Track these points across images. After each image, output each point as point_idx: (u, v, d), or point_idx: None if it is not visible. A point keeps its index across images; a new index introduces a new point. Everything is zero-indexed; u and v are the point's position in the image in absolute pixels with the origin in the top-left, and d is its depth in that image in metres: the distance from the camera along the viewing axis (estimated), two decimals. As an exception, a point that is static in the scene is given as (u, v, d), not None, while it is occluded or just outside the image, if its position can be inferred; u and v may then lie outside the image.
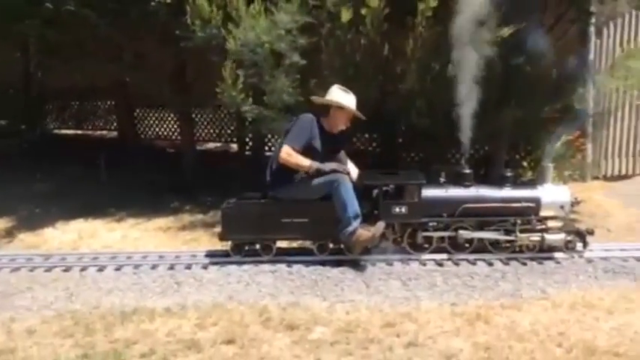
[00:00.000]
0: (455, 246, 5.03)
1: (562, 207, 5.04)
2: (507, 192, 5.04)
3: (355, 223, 4.77)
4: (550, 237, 4.98)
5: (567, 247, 5.01)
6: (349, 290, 4.54)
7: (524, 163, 7.92)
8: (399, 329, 3.92)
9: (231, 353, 3.63)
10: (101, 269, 4.86)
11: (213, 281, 4.65)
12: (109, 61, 6.91)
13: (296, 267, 4.85)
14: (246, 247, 4.97)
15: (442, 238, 5.03)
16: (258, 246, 4.96)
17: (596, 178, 8.18)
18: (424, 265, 4.92)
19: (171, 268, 4.86)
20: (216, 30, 5.51)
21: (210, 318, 4.06)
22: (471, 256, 4.98)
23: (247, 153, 9.72)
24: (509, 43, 5.59)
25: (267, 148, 9.55)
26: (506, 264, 4.92)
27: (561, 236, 4.99)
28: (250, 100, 5.65)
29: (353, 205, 4.78)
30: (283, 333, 3.89)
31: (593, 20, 7.52)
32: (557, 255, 5.03)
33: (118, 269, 4.86)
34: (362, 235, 4.78)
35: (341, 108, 4.93)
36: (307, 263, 4.89)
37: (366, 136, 8.38)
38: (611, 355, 3.58)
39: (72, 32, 6.67)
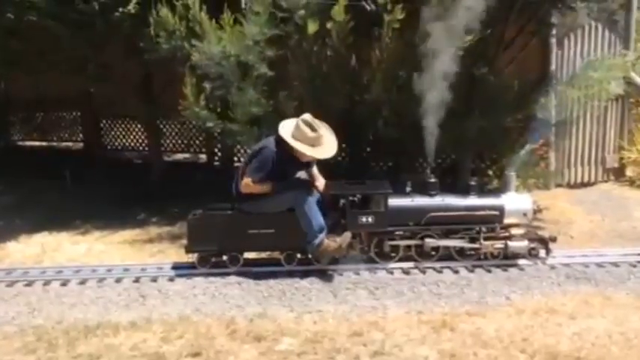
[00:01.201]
0: (421, 254, 5.07)
1: (525, 214, 5.13)
2: (472, 200, 5.12)
3: (321, 236, 4.81)
4: (514, 244, 5.06)
5: (530, 254, 5.10)
6: (317, 300, 4.56)
7: (490, 172, 8.04)
8: (365, 338, 3.94)
9: (196, 366, 3.61)
10: (64, 283, 4.77)
11: (179, 294, 4.61)
12: (74, 71, 6.81)
13: (263, 278, 4.83)
14: (213, 259, 4.94)
15: (409, 247, 5.07)
16: (225, 257, 4.93)
17: (560, 186, 8.33)
18: (391, 273, 4.96)
19: (137, 281, 4.80)
20: (181, 42, 5.48)
21: (175, 331, 4.03)
22: (438, 264, 5.03)
23: (216, 164, 9.69)
24: (473, 54, 5.69)
25: (236, 158, 9.51)
26: (472, 271, 4.99)
27: (524, 243, 5.08)
28: (215, 114, 5.62)
29: (317, 219, 4.81)
30: (250, 344, 3.88)
31: (554, 32, 7.72)
32: (521, 262, 5.12)
33: (81, 283, 4.78)
34: (329, 246, 4.80)
35: None
36: (275, 274, 4.89)
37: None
38: (572, 359, 3.66)
39: (35, 43, 6.57)
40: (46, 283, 4.78)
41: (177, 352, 3.76)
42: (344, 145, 8.27)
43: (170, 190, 7.62)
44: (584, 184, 8.45)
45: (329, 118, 5.07)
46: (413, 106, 5.37)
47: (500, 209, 5.08)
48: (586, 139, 8.41)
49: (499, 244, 5.07)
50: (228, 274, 4.87)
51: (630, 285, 4.75)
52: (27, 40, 6.44)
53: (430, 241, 5.02)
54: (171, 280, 4.82)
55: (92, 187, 8.08)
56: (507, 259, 5.11)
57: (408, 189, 5.17)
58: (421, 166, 8.08)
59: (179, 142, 11.17)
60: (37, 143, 11.94)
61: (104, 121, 11.39)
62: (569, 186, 8.37)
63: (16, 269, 5.04)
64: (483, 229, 5.07)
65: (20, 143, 12.05)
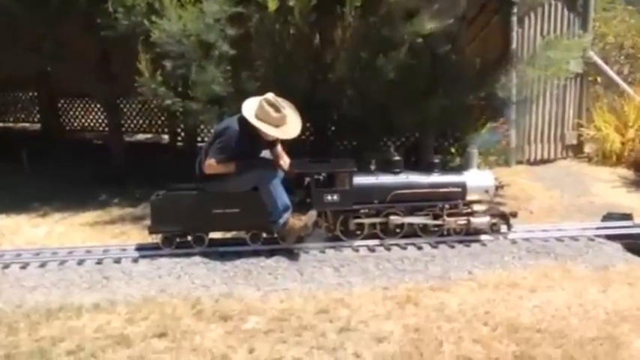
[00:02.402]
0: (386, 232, 5.12)
1: (486, 191, 5.22)
2: (435, 178, 5.18)
3: (286, 215, 4.80)
4: (476, 220, 5.15)
5: (492, 229, 5.20)
6: (283, 279, 4.56)
7: (453, 150, 8.14)
8: (332, 315, 3.98)
9: (162, 347, 3.59)
10: (24, 266, 4.65)
11: (143, 274, 4.54)
12: (29, 50, 6.59)
13: (229, 257, 4.80)
14: (178, 240, 4.89)
15: (374, 225, 5.11)
16: (189, 238, 4.89)
17: (520, 162, 8.50)
18: (357, 251, 4.99)
19: (99, 262, 4.72)
20: (141, 18, 5.35)
21: (140, 312, 3.99)
22: (402, 241, 5.09)
23: (179, 144, 9.55)
24: (436, 33, 5.71)
25: (199, 139, 9.41)
26: (435, 247, 5.06)
27: (486, 219, 5.17)
28: (174, 92, 5.53)
29: (281, 198, 4.79)
30: (216, 324, 3.87)
31: (515, 10, 7.80)
32: (483, 237, 5.21)
33: (42, 266, 4.66)
34: (294, 225, 4.81)
35: None
36: (240, 253, 4.85)
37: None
38: (533, 331, 3.76)
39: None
40: (5, 266, 4.65)
41: (142, 333, 3.73)
42: (308, 125, 8.31)
43: (131, 171, 7.48)
44: (543, 161, 8.65)
45: (292, 97, 5.02)
46: (377, 86, 5.39)
47: (463, 186, 5.16)
48: (545, 117, 8.59)
49: (462, 221, 5.15)
50: (193, 254, 4.82)
51: (588, 258, 4.89)
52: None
53: (394, 219, 5.06)
54: (135, 261, 4.75)
55: (51, 168, 7.89)
56: (470, 234, 5.19)
57: (372, 167, 5.18)
58: (385, 144, 8.17)
59: (140, 122, 10.99)
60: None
61: (62, 101, 11.13)
62: (530, 163, 8.56)
63: (-27, 253, 4.90)
64: (446, 205, 5.13)
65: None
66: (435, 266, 4.76)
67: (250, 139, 4.79)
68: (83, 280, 4.47)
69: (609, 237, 5.24)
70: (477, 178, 5.23)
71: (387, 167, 5.19)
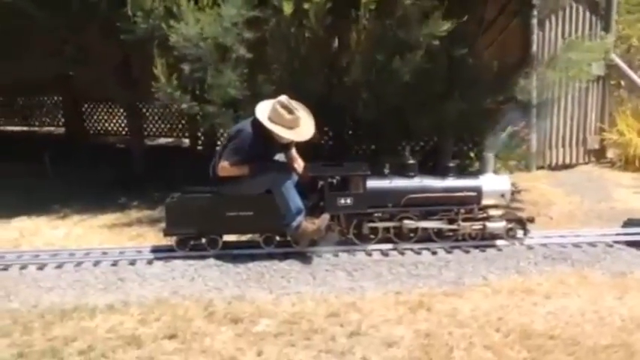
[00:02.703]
0: (400, 236, 5.09)
1: (503, 195, 5.16)
2: (450, 182, 5.13)
3: (299, 218, 4.80)
4: (492, 225, 5.09)
5: (508, 234, 5.13)
6: (295, 282, 4.56)
7: (472, 154, 8.07)
8: (342, 319, 3.96)
9: (172, 348, 3.61)
10: (41, 267, 4.73)
11: (157, 276, 4.58)
12: (51, 54, 6.71)
13: (242, 260, 4.83)
14: (192, 242, 4.93)
15: (387, 229, 5.08)
16: (203, 240, 4.92)
17: (541, 167, 8.41)
18: (370, 255, 4.97)
19: (115, 264, 4.77)
20: (159, 22, 5.41)
21: (153, 313, 4.02)
22: (416, 246, 5.05)
23: (199, 148, 9.64)
24: (452, 36, 5.67)
25: (219, 143, 9.47)
26: (450, 252, 5.01)
27: (502, 224, 5.11)
28: (190, 96, 5.58)
29: (295, 201, 4.80)
30: (227, 326, 3.88)
31: (535, 13, 7.72)
32: (499, 243, 5.15)
33: (59, 267, 4.74)
34: (307, 228, 4.80)
35: None
36: (254, 256, 4.87)
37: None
38: (546, 338, 3.70)
39: (11, 25, 6.46)
40: (23, 267, 4.74)
41: (153, 334, 3.76)
42: (325, 129, 8.32)
43: (151, 175, 7.58)
44: (565, 166, 8.54)
45: (308, 100, 5.03)
46: (392, 89, 5.37)
47: (478, 190, 5.10)
48: (567, 121, 8.49)
49: (477, 225, 5.10)
50: (207, 256, 4.85)
51: (606, 264, 4.80)
52: (3, 23, 6.33)
53: (408, 223, 5.03)
54: (149, 263, 4.80)
55: (73, 171, 8.02)
56: (485, 239, 5.13)
57: (387, 171, 5.16)
58: (403, 148, 8.13)
59: (162, 126, 11.13)
60: (18, 128, 11.84)
61: (86, 105, 11.32)
62: (551, 168, 8.45)
63: (-8, 254, 5.00)
64: (462, 210, 5.08)
65: (1, 128, 11.94)
66: (449, 271, 4.72)
67: (264, 141, 4.80)
68: (98, 281, 4.53)
69: (629, 243, 5.15)
70: (492, 183, 5.17)
71: (401, 171, 5.16)
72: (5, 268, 4.73)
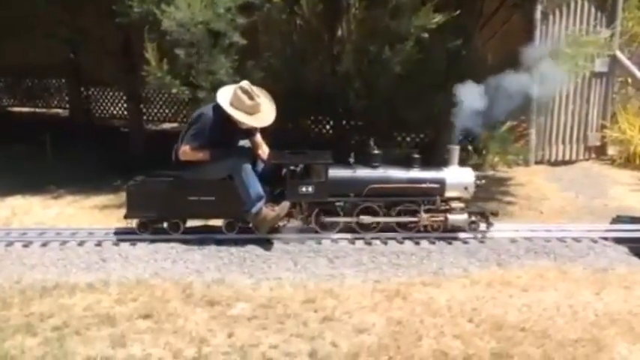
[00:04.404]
0: (362, 225, 5.08)
1: (466, 188, 5.13)
2: (414, 173, 5.12)
3: (259, 204, 4.82)
4: (453, 217, 5.07)
5: (471, 227, 5.11)
6: (276, 268, 4.60)
7: (469, 147, 8.03)
8: (318, 305, 3.99)
9: (145, 327, 3.66)
10: (27, 245, 4.81)
11: (140, 258, 4.65)
12: (50, 36, 6.77)
13: (226, 245, 4.87)
14: (157, 225, 4.95)
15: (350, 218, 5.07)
16: (165, 224, 4.94)
17: (540, 163, 8.34)
18: (353, 243, 4.99)
19: (99, 244, 4.84)
20: (152, 6, 5.44)
21: (131, 294, 4.08)
22: (399, 236, 5.06)
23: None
24: (447, 28, 5.65)
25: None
26: (433, 243, 5.02)
27: (464, 217, 5.08)
28: (180, 81, 5.60)
29: (255, 187, 4.81)
30: (203, 308, 3.93)
31: (539, 7, 7.65)
32: (488, 235, 5.14)
33: (44, 245, 4.82)
34: (267, 215, 4.83)
35: None
36: (237, 241, 4.92)
37: (312, 118, 8.32)
38: (517, 330, 3.71)
39: (13, 7, 6.54)
40: (9, 244, 4.82)
41: (128, 313, 3.82)
42: (320, 117, 8.31)
43: (150, 159, 7.60)
44: (564, 162, 8.46)
45: (303, 89, 5.06)
46: (383, 79, 5.36)
47: (442, 182, 5.09)
48: (568, 116, 8.39)
49: (439, 217, 5.08)
50: (190, 240, 4.90)
51: (589, 260, 4.79)
52: (4, 4, 6.40)
53: (366, 218, 5.03)
54: (133, 244, 4.85)
55: (74, 154, 8.08)
56: (447, 232, 5.12)
57: (352, 160, 5.13)
58: (404, 140, 8.13)
59: (166, 111, 11.18)
60: (25, 109, 11.97)
61: (92, 89, 11.39)
62: (550, 163, 8.38)
63: (-20, 230, 5.09)
64: (424, 201, 5.06)
65: (8, 109, 12.08)
66: (431, 262, 4.74)
67: (225, 126, 4.81)
68: (81, 260, 4.60)
69: (617, 240, 5.12)
70: (456, 175, 5.15)
71: (366, 161, 5.13)
72: (-9, 245, 4.82)
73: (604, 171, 8.11)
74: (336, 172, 4.99)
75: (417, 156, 5.21)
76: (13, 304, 3.89)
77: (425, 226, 5.10)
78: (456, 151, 5.21)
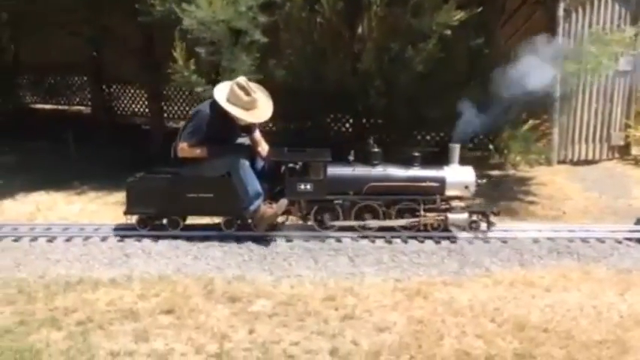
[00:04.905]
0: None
1: (467, 187, 5.08)
2: (413, 171, 5.08)
3: (257, 202, 4.83)
4: (453, 216, 5.03)
5: (471, 227, 5.07)
6: (297, 265, 4.61)
7: (490, 146, 7.98)
8: (338, 303, 4.00)
9: (167, 322, 3.70)
10: (51, 240, 4.87)
11: (161, 254, 4.69)
12: (74, 35, 6.85)
13: (246, 242, 4.89)
14: (156, 222, 4.98)
15: (349, 216, 5.04)
16: (164, 221, 4.97)
17: (563, 162, 8.24)
18: (373, 242, 4.98)
19: (122, 240, 4.89)
20: (175, 5, 5.48)
21: (153, 289, 4.12)
22: (420, 234, 5.04)
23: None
24: (469, 25, 5.61)
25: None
26: (454, 242, 4.99)
27: (465, 216, 5.04)
28: (204, 80, 5.63)
29: (253, 185, 4.81)
30: (224, 305, 3.96)
31: (562, 4, 7.56)
32: (505, 235, 5.10)
33: (68, 240, 4.87)
34: (265, 213, 4.84)
35: None
36: (257, 238, 4.93)
37: (332, 116, 8.31)
38: (540, 330, 3.68)
39: (37, 4, 6.62)
40: (34, 239, 4.88)
41: (151, 308, 3.85)
42: (339, 115, 8.28)
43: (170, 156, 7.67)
44: (587, 162, 8.34)
45: (323, 87, 5.06)
46: (404, 78, 5.33)
47: (442, 181, 5.05)
48: (591, 115, 8.27)
49: (439, 216, 5.04)
50: (211, 237, 4.93)
51: (612, 261, 4.73)
52: (30, 3, 6.48)
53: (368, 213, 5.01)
54: (155, 240, 4.89)
55: (96, 150, 8.18)
56: (447, 231, 5.08)
57: (351, 158, 5.10)
58: (424, 138, 8.09)
59: (188, 109, 11.23)
60: (48, 106, 12.11)
61: (114, 86, 11.49)
62: (572, 163, 8.28)
63: (5, 225, 5.15)
64: (424, 200, 5.02)
65: (32, 106, 12.23)
66: (452, 261, 4.71)
67: (222, 122, 4.82)
68: (104, 255, 4.66)
69: (640, 241, 5.05)
70: (457, 174, 5.10)
71: (366, 159, 5.10)
72: (17, 240, 4.89)
73: (628, 171, 7.99)
74: (335, 170, 4.98)
75: (417, 154, 5.16)
76: (37, 299, 3.95)
77: (424, 225, 5.06)
78: (456, 149, 5.16)
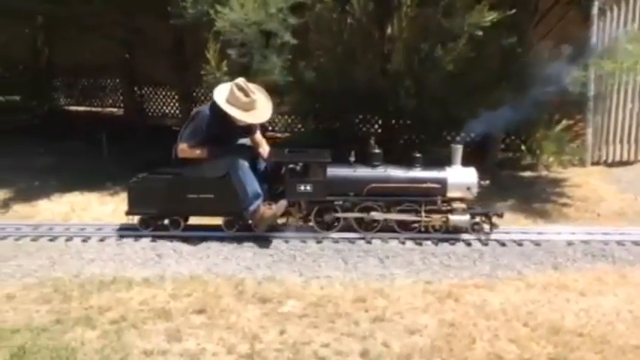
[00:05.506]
0: (362, 225, 5.03)
1: (469, 188, 5.01)
2: (414, 173, 5.03)
3: (256, 202, 4.84)
4: (455, 218, 4.97)
5: (473, 228, 5.00)
6: (326, 266, 4.61)
7: (522, 147, 7.87)
8: (368, 305, 3.98)
9: (199, 322, 3.73)
10: (85, 240, 4.97)
11: (193, 254, 4.75)
12: (107, 37, 6.96)
13: (276, 243, 4.92)
14: (158, 222, 5.03)
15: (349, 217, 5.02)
16: (166, 221, 5.00)
17: (597, 163, 8.09)
18: (403, 243, 4.96)
19: (154, 240, 4.95)
20: (206, 7, 5.53)
21: (185, 289, 4.16)
22: (451, 237, 5.00)
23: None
24: (501, 24, 5.54)
25: (270, 128, 9.63)
26: (485, 245, 4.94)
27: (466, 218, 4.98)
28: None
29: (252, 186, 4.83)
30: (255, 305, 3.98)
31: (596, 3, 7.41)
32: (537, 237, 5.02)
33: (102, 240, 4.97)
34: (265, 213, 4.84)
35: None
36: (287, 239, 4.95)
37: (361, 116, 8.28)
38: (574, 335, 3.61)
39: (70, 8, 6.75)
40: (69, 239, 4.99)
41: (183, 308, 3.89)
42: (368, 116, 8.25)
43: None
44: (622, 163, 8.16)
45: (353, 87, 5.05)
46: (435, 78, 5.29)
47: (443, 182, 4.99)
48: (626, 115, 8.09)
49: (440, 218, 4.98)
50: (241, 238, 4.96)
51: (649, 265, 4.63)
52: (62, 6, 6.61)
53: (369, 213, 4.97)
54: (186, 241, 4.94)
55: (128, 152, 8.27)
56: (449, 232, 5.02)
57: (352, 159, 5.07)
58: (453, 139, 8.00)
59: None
60: (81, 108, 12.33)
61: (146, 89, 11.64)
62: (607, 164, 8.11)
63: (42, 225, 5.28)
64: (425, 201, 4.97)
65: (66, 108, 12.47)
66: (484, 264, 4.66)
67: (222, 123, 4.84)
68: (137, 255, 4.73)
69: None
70: (458, 175, 5.04)
71: (367, 160, 5.07)
72: (52, 239, 5.00)
73: (664, 172, 7.81)
74: (335, 171, 4.96)
75: (418, 155, 5.11)
76: (73, 297, 4.02)
77: (426, 227, 5.02)
78: (459, 150, 5.10)
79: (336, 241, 4.95)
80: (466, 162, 5.17)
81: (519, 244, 4.94)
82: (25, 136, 9.21)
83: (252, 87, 4.87)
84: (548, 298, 4.11)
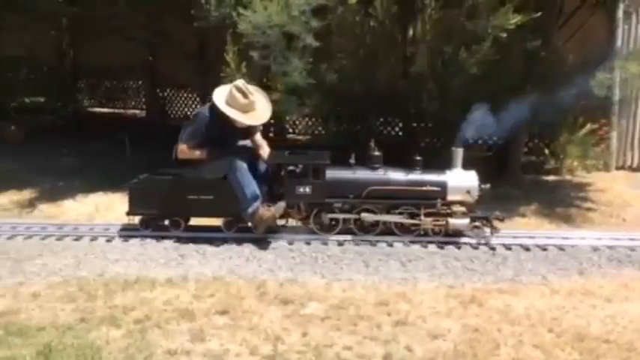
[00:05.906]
0: (361, 228, 5.01)
1: (469, 192, 4.95)
2: (414, 175, 5.00)
3: (255, 204, 4.84)
4: (454, 221, 4.92)
5: (474, 232, 4.97)
6: (348, 269, 4.60)
7: (546, 151, 7.80)
8: (391, 308, 3.96)
9: (222, 323, 3.74)
10: (110, 240, 5.02)
11: (215, 255, 4.77)
12: (130, 40, 7.04)
13: (298, 245, 4.93)
14: (159, 222, 5.06)
15: (348, 219, 5.00)
16: (166, 222, 5.03)
17: (621, 168, 7.99)
18: (425, 247, 4.93)
19: (178, 241, 4.99)
20: (230, 10, 5.56)
21: (208, 289, 4.18)
22: (474, 241, 4.96)
23: (270, 135, 9.84)
24: (526, 28, 5.49)
25: (291, 130, 9.69)
26: (509, 249, 4.89)
27: (466, 221, 4.93)
28: (256, 83, 5.68)
29: (250, 187, 4.84)
30: (277, 307, 3.98)
31: (621, 5, 7.33)
32: (561, 242, 4.97)
33: (125, 240, 5.01)
34: (264, 215, 4.84)
35: None
36: (309, 242, 4.96)
37: (382, 119, 8.25)
38: (600, 341, 3.56)
39: (95, 10, 6.84)
40: (93, 239, 5.05)
41: (206, 308, 3.91)
42: (389, 119, 8.23)
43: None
44: (648, 168, 8.06)
45: (375, 90, 5.04)
46: (458, 80, 5.26)
47: (443, 185, 4.94)
48: (652, 120, 7.99)
49: (440, 221, 4.94)
50: (262, 239, 4.97)
51: (677, 271, 4.55)
52: (86, 8, 6.70)
53: (367, 216, 4.95)
54: (209, 241, 4.97)
55: (150, 153, 8.34)
56: (449, 236, 4.98)
57: (352, 161, 5.04)
58: (476, 142, 7.94)
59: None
60: (105, 110, 12.48)
61: (167, 91, 11.76)
62: (632, 169, 8.02)
63: (67, 225, 5.34)
64: (424, 204, 4.94)
65: (90, 109, 12.63)
66: (507, 268, 4.62)
67: (221, 125, 4.86)
68: (161, 255, 4.76)
69: None
70: (459, 178, 4.99)
71: (367, 162, 5.04)
72: (77, 239, 5.06)
73: (690, 178, 7.68)
74: (334, 173, 4.95)
75: (418, 158, 5.08)
76: (97, 297, 4.06)
77: (425, 230, 4.98)
78: (459, 153, 5.05)
79: (357, 243, 4.94)
80: (489, 165, 5.13)
81: (543, 248, 4.89)
82: (49, 137, 9.36)
83: (251, 88, 4.90)
84: (573, 304, 4.05)
